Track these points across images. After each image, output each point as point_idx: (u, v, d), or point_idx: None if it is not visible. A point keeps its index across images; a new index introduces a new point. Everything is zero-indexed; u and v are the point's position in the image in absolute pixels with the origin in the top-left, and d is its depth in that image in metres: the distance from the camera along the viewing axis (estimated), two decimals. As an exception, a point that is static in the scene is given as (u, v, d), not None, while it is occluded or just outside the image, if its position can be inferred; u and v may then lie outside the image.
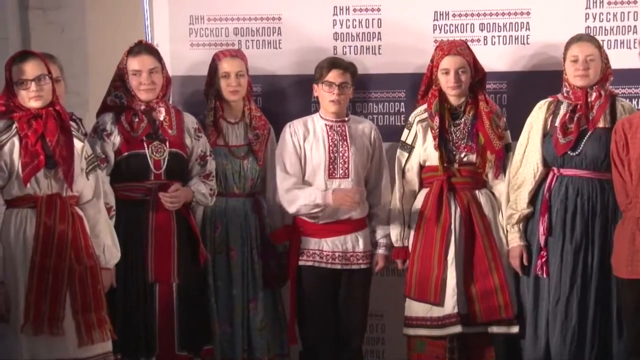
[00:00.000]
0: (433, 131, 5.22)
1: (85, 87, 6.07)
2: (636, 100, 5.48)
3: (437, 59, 5.24)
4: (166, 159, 5.09)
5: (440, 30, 5.62)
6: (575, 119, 5.10)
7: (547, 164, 5.16)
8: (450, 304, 5.18)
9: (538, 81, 5.44)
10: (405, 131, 5.36)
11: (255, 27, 5.74)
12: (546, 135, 5.17)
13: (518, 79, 5.58)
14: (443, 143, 5.23)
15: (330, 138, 5.33)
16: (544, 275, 5.13)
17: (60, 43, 6.16)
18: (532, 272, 5.20)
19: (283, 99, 5.72)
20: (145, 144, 5.07)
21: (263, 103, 5.72)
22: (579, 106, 5.11)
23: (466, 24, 5.61)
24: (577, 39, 5.16)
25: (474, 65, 5.27)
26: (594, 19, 5.51)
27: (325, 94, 5.29)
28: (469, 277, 5.21)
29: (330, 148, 5.31)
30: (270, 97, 5.74)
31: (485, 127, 5.22)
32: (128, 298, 5.02)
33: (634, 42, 5.43)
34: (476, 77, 5.29)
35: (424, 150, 5.28)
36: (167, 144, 5.10)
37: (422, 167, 5.33)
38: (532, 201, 5.18)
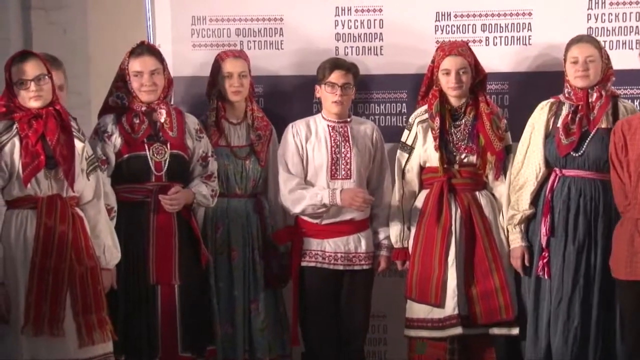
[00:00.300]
0: (434, 132, 5.22)
1: (87, 87, 6.09)
2: (638, 101, 5.48)
3: (438, 59, 5.24)
4: (167, 160, 5.09)
5: (442, 31, 5.61)
6: (577, 119, 5.09)
7: (549, 165, 5.16)
8: (451, 305, 5.17)
9: (540, 82, 5.44)
10: (406, 132, 5.35)
11: (257, 27, 5.73)
12: (548, 136, 5.16)
13: (520, 79, 5.58)
14: (443, 144, 5.22)
15: (332, 139, 5.32)
16: (546, 276, 5.13)
17: (62, 43, 6.18)
18: (533, 273, 5.19)
19: (285, 99, 5.72)
20: (146, 146, 5.07)
21: (265, 104, 5.71)
22: (580, 107, 5.11)
23: (468, 25, 5.60)
24: (577, 40, 5.16)
25: (475, 66, 5.27)
26: (596, 19, 5.50)
27: (327, 95, 5.29)
28: (469, 279, 5.20)
29: (333, 149, 5.31)
30: (272, 98, 5.74)
31: (486, 128, 5.22)
32: (130, 300, 5.02)
33: (636, 43, 5.43)
34: (477, 78, 5.28)
35: (424, 151, 5.28)
36: (168, 145, 5.10)
37: (422, 168, 5.32)
38: (534, 202, 5.18)
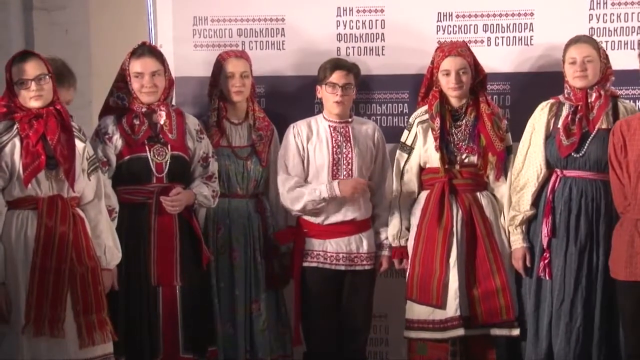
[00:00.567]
0: (434, 132, 5.22)
1: (89, 87, 6.10)
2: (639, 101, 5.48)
3: (438, 60, 5.23)
4: (168, 162, 5.09)
5: (444, 31, 5.61)
6: (577, 120, 5.09)
7: (549, 166, 5.15)
8: (453, 306, 5.17)
9: (542, 82, 5.42)
10: (405, 132, 5.35)
11: (259, 28, 5.74)
12: (549, 136, 5.16)
13: (522, 80, 5.57)
14: (444, 144, 5.22)
15: (333, 139, 5.32)
16: (547, 277, 5.12)
17: (64, 44, 6.20)
18: (534, 274, 5.18)
19: (286, 99, 5.71)
20: (147, 147, 5.07)
21: (266, 104, 5.71)
22: (579, 107, 5.10)
23: (469, 25, 5.59)
24: (574, 40, 5.15)
25: (475, 66, 5.27)
26: (598, 20, 5.49)
27: (328, 95, 5.29)
28: (470, 280, 5.20)
29: (334, 149, 5.31)
30: (274, 98, 5.74)
31: (487, 128, 5.21)
32: (131, 301, 5.02)
33: (638, 43, 5.41)
34: (477, 78, 5.28)
35: (425, 151, 5.27)
36: (169, 147, 5.10)
37: (421, 169, 5.32)
38: (535, 203, 5.17)
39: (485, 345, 5.29)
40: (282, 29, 5.73)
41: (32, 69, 4.59)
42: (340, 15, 5.70)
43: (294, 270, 5.35)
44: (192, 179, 5.20)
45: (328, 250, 5.31)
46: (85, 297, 4.61)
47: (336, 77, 5.27)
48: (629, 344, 4.95)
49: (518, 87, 5.57)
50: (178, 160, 5.11)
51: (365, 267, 5.36)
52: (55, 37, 6.52)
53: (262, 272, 5.37)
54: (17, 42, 6.42)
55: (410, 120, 5.37)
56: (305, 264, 5.33)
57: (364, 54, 5.68)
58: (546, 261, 5.12)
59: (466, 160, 5.26)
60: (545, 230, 5.11)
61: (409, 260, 5.29)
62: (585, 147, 5.07)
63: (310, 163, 5.32)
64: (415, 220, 5.30)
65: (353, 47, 5.69)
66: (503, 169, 5.26)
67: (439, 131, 5.19)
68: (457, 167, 5.26)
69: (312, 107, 5.60)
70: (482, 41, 5.58)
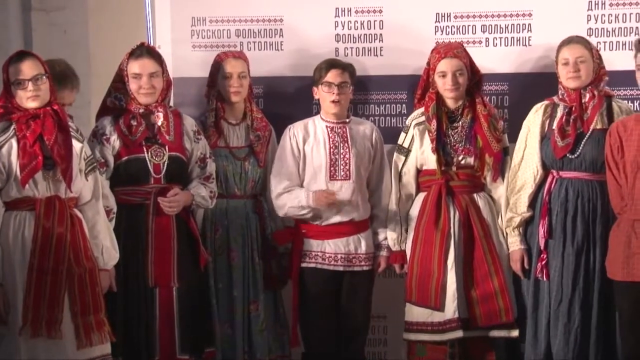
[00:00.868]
0: (430, 134, 5.21)
1: (88, 88, 6.08)
2: (638, 102, 5.48)
3: (434, 61, 5.23)
4: (166, 162, 5.09)
5: (442, 32, 5.61)
6: (571, 121, 5.09)
7: (546, 167, 5.15)
8: (451, 308, 5.17)
9: (540, 83, 5.41)
10: (402, 134, 5.35)
11: (257, 28, 5.74)
12: (544, 138, 5.16)
13: (520, 80, 5.57)
14: (441, 146, 5.22)
15: (331, 140, 5.32)
16: (544, 278, 5.12)
17: (62, 44, 6.20)
18: (531, 275, 5.18)
19: (284, 100, 5.71)
20: (144, 148, 5.07)
21: (264, 104, 5.72)
22: (573, 108, 5.10)
23: (468, 26, 5.60)
24: (567, 41, 5.15)
25: (471, 67, 5.26)
26: (596, 20, 5.50)
27: (325, 95, 5.29)
28: (468, 281, 5.19)
29: (331, 150, 5.31)
30: (272, 99, 5.74)
31: (484, 129, 5.21)
32: (129, 302, 5.02)
33: (634, 44, 5.40)
34: (473, 80, 5.27)
35: (421, 153, 5.27)
36: (166, 148, 5.09)
37: (418, 171, 5.32)
38: (532, 204, 5.17)
39: (484, 347, 5.29)
40: (281, 29, 5.73)
41: (29, 69, 4.59)
42: (338, 16, 5.70)
43: (292, 270, 5.35)
44: (189, 179, 5.20)
45: (326, 251, 5.31)
46: (83, 298, 4.61)
47: (331, 76, 5.27)
48: (626, 345, 4.95)
49: (516, 87, 5.58)
50: (176, 161, 5.11)
51: (364, 267, 5.36)
52: (53, 37, 6.52)
53: (260, 272, 5.37)
54: (15, 43, 6.41)
55: (407, 122, 5.36)
56: (303, 265, 5.33)
57: (362, 55, 5.68)
58: (543, 262, 5.12)
59: (463, 162, 5.26)
60: (542, 232, 5.11)
61: (407, 263, 5.29)
62: (581, 147, 5.07)
63: (307, 164, 5.32)
64: (412, 222, 5.30)
65: (351, 48, 5.69)
66: (500, 170, 5.25)
67: (435, 133, 5.19)
68: (454, 168, 5.25)
69: (310, 107, 5.60)
70: (480, 42, 5.59)
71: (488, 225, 5.24)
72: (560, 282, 5.09)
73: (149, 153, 5.07)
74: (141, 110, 5.09)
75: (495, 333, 5.23)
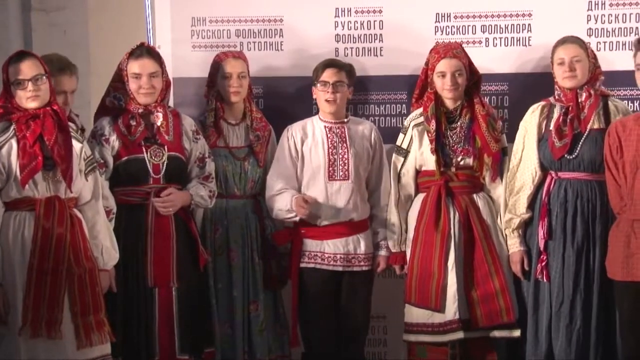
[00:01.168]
0: (429, 135, 5.21)
1: (87, 88, 6.08)
2: (638, 102, 5.48)
3: (433, 61, 5.22)
4: (165, 163, 5.09)
5: (442, 32, 5.61)
6: (569, 121, 5.09)
7: (544, 168, 5.15)
8: (452, 310, 5.17)
9: (540, 83, 5.40)
10: (401, 135, 5.35)
11: (257, 28, 5.73)
12: (541, 139, 5.16)
13: (520, 80, 5.57)
14: (440, 147, 5.21)
15: (329, 140, 5.32)
16: (545, 279, 5.11)
17: (62, 45, 6.18)
18: (532, 276, 5.17)
19: (284, 100, 5.71)
20: (143, 148, 5.07)
21: (264, 105, 5.72)
22: (570, 108, 5.10)
23: (468, 26, 5.60)
24: (562, 41, 5.16)
25: (470, 68, 5.26)
26: (596, 20, 5.50)
27: (320, 94, 5.31)
28: (469, 282, 5.19)
29: (330, 150, 5.31)
30: (272, 99, 5.74)
31: (482, 130, 5.21)
32: (128, 302, 5.02)
33: (633, 44, 5.39)
34: (472, 80, 5.27)
35: (420, 154, 5.27)
36: (166, 148, 5.09)
37: (417, 172, 5.32)
38: (531, 205, 5.17)
39: (485, 348, 5.28)
40: (280, 29, 5.73)
41: (28, 69, 4.59)
42: (338, 16, 5.70)
43: (292, 271, 5.35)
44: (189, 179, 5.20)
45: (325, 251, 5.31)
46: (83, 298, 4.61)
47: (327, 74, 5.28)
48: (626, 345, 4.95)
49: (516, 87, 5.57)
50: (175, 161, 5.11)
51: (363, 267, 5.36)
52: (53, 37, 6.52)
53: (260, 272, 5.37)
54: (15, 43, 6.42)
55: (406, 123, 5.36)
56: (302, 265, 5.33)
57: (362, 55, 5.68)
58: (543, 263, 5.11)
59: (462, 163, 5.26)
60: (541, 233, 5.11)
61: (407, 264, 5.29)
62: (578, 148, 5.07)
63: (306, 165, 5.32)
64: (412, 223, 5.29)
65: (351, 48, 5.69)
66: (499, 170, 5.25)
67: (434, 133, 5.19)
68: (453, 169, 5.25)
69: (310, 107, 5.60)
70: (480, 42, 5.59)
71: (488, 226, 5.24)
72: (561, 283, 5.09)
73: (148, 153, 5.07)
74: (140, 111, 5.09)
75: (496, 333, 5.23)
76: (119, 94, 5.14)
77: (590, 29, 5.50)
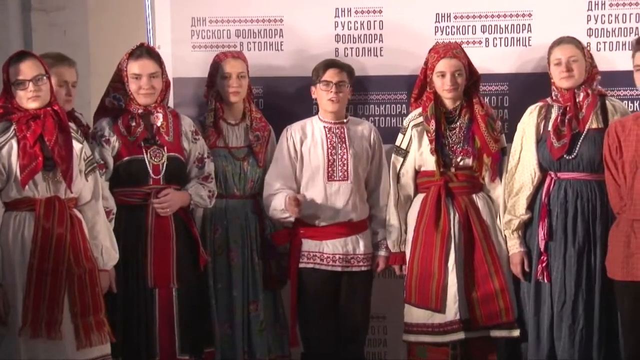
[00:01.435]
0: (429, 135, 5.21)
1: (87, 88, 6.08)
2: (638, 102, 5.47)
3: (433, 61, 5.22)
4: (165, 163, 5.08)
5: (442, 32, 5.61)
6: (567, 121, 5.09)
7: (543, 169, 5.15)
8: (452, 310, 5.17)
9: (540, 83, 5.38)
10: (400, 136, 5.34)
11: (257, 29, 5.73)
12: (539, 140, 5.16)
13: (520, 80, 5.57)
14: (439, 147, 5.21)
15: (328, 140, 5.32)
16: (545, 280, 5.11)
17: (62, 45, 6.17)
18: (532, 277, 5.17)
19: (284, 100, 5.71)
20: (143, 149, 5.07)
21: (264, 105, 5.72)
22: (568, 108, 5.11)
23: (468, 26, 5.60)
24: (558, 42, 5.17)
25: (469, 68, 5.26)
26: (596, 20, 5.50)
27: (322, 94, 5.30)
28: (469, 282, 5.19)
29: (329, 150, 5.31)
30: (272, 99, 5.74)
31: (482, 130, 5.21)
32: (128, 303, 5.02)
33: (631, 45, 5.40)
34: (471, 80, 5.27)
35: (420, 155, 5.27)
36: (165, 148, 5.09)
37: (417, 172, 5.32)
38: (530, 206, 5.17)
39: (485, 348, 5.28)
40: (280, 29, 5.73)
41: (29, 69, 4.59)
42: (338, 16, 5.70)
43: (291, 271, 5.35)
44: (188, 180, 5.20)
45: (325, 252, 5.31)
46: (83, 298, 4.62)
47: (329, 74, 5.27)
48: (628, 344, 4.95)
49: (516, 88, 5.57)
50: (174, 162, 5.11)
51: (362, 268, 5.36)
52: (53, 37, 6.53)
53: (260, 272, 5.37)
54: (15, 43, 6.42)
55: (405, 123, 5.36)
56: (301, 265, 5.33)
57: (362, 55, 5.68)
58: (544, 264, 5.11)
59: (461, 163, 5.25)
60: (541, 234, 5.11)
61: (407, 264, 5.29)
62: (577, 148, 5.07)
63: (305, 165, 5.32)
64: (411, 223, 5.29)
65: (351, 48, 5.69)
66: (498, 170, 5.25)
67: (434, 134, 5.19)
68: (453, 169, 5.25)
69: (310, 107, 5.60)
70: (480, 42, 5.59)
71: (487, 226, 5.24)
72: (563, 283, 5.09)
73: (148, 154, 5.06)
74: (140, 111, 5.09)
75: (496, 333, 5.23)
76: (119, 94, 5.13)
77: (590, 29, 5.50)
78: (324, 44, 5.67)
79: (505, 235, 5.24)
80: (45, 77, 4.63)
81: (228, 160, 5.36)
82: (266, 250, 5.40)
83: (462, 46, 5.32)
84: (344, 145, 5.32)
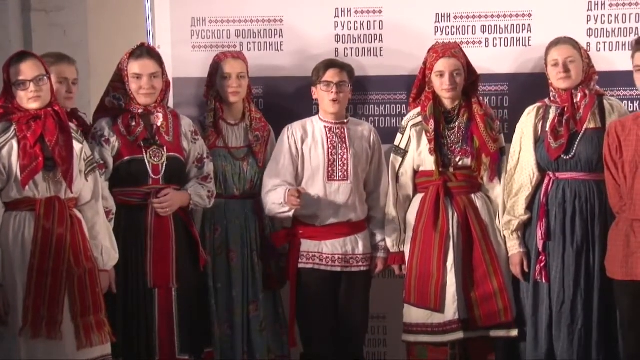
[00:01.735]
0: (428, 134, 5.22)
1: (87, 88, 6.10)
2: (638, 102, 5.47)
3: (432, 61, 5.23)
4: (164, 163, 5.08)
5: (442, 32, 5.61)
6: (564, 121, 5.09)
7: (542, 169, 5.15)
8: (451, 310, 5.17)
9: (540, 83, 5.37)
10: (399, 135, 5.35)
11: (257, 29, 5.74)
12: (538, 140, 5.16)
13: (520, 81, 5.57)
14: (438, 147, 5.21)
15: (329, 140, 5.32)
16: (543, 280, 5.11)
17: (62, 45, 6.17)
18: (531, 277, 5.17)
19: (284, 100, 5.71)
20: (143, 149, 5.06)
21: (264, 105, 5.72)
22: (566, 108, 5.11)
23: (467, 26, 5.59)
24: (555, 42, 5.17)
25: (468, 68, 5.26)
26: (596, 21, 5.50)
27: (323, 94, 5.29)
28: (468, 282, 5.19)
29: (329, 150, 5.31)
30: (272, 99, 5.74)
31: (480, 130, 5.21)
32: (128, 303, 5.02)
33: (630, 45, 5.40)
34: (469, 80, 5.27)
35: (419, 154, 5.27)
36: (165, 148, 5.09)
37: (416, 172, 5.32)
38: (529, 207, 5.17)
39: (484, 348, 5.29)
40: (280, 30, 5.73)
41: (30, 70, 4.59)
42: (338, 16, 5.70)
43: (290, 272, 5.34)
44: (187, 180, 5.20)
45: (324, 252, 5.31)
46: (83, 298, 4.61)
47: (330, 75, 5.27)
48: (627, 344, 4.96)
49: (516, 88, 5.57)
50: (174, 162, 5.11)
51: (361, 268, 5.36)
52: (53, 38, 6.52)
53: (260, 272, 5.38)
54: (15, 43, 6.42)
55: (403, 123, 5.36)
56: (301, 266, 5.33)
57: (361, 55, 5.68)
58: (542, 264, 5.12)
59: (460, 163, 5.25)
60: (539, 234, 5.11)
61: (406, 264, 5.29)
62: (574, 148, 5.08)
63: (305, 164, 5.32)
64: (410, 223, 5.29)
65: (351, 48, 5.69)
66: (497, 170, 5.26)
67: (433, 133, 5.19)
68: (452, 169, 5.25)
69: (310, 107, 5.60)
70: (480, 42, 5.59)
71: (486, 226, 5.24)
72: (562, 283, 5.09)
73: (148, 154, 5.06)
74: (140, 111, 5.09)
75: (494, 333, 5.23)
76: (119, 94, 5.13)
77: (590, 29, 5.50)
78: (324, 44, 5.67)
79: (504, 236, 5.24)
80: (46, 78, 4.63)
81: (228, 160, 5.36)
82: (266, 251, 5.40)
83: (462, 46, 5.33)
84: (344, 145, 5.32)
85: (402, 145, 5.32)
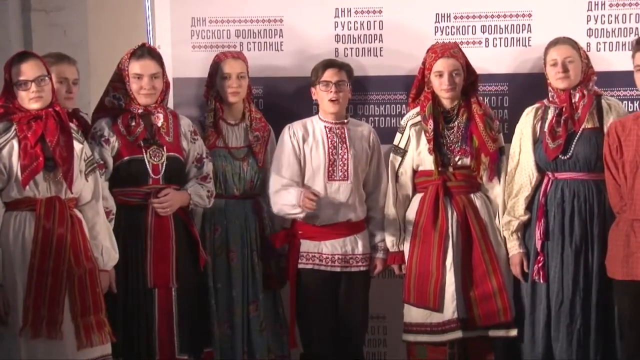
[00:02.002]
0: (427, 134, 5.22)
1: (87, 89, 6.10)
2: (637, 102, 5.47)
3: (430, 61, 5.23)
4: (164, 163, 5.08)
5: (442, 32, 5.61)
6: (562, 121, 5.10)
7: (541, 170, 5.15)
8: (450, 309, 5.17)
9: (540, 83, 5.37)
10: (398, 135, 5.35)
11: (257, 29, 5.74)
12: (537, 141, 5.17)
13: (519, 81, 5.57)
14: (437, 147, 5.22)
15: (329, 140, 5.32)
16: (541, 280, 5.12)
17: (62, 45, 6.17)
18: (529, 277, 5.18)
19: (284, 100, 5.71)
20: (143, 149, 5.06)
21: (264, 105, 5.72)
22: (564, 108, 5.11)
23: (467, 26, 5.60)
24: (554, 42, 5.18)
25: (467, 68, 5.27)
26: (596, 21, 5.50)
27: (323, 94, 5.29)
28: (467, 282, 5.20)
29: (330, 150, 5.31)
30: (272, 99, 5.74)
31: (479, 129, 5.21)
32: (128, 303, 5.02)
33: (631, 45, 5.40)
34: (469, 80, 5.28)
35: (418, 154, 5.27)
36: (165, 148, 5.09)
37: (415, 172, 5.32)
38: (529, 207, 5.17)
39: (483, 347, 5.29)
40: (280, 30, 5.73)
41: (31, 70, 4.59)
42: (338, 16, 5.70)
43: (289, 272, 5.34)
44: (187, 180, 5.20)
45: (323, 252, 5.31)
46: (83, 298, 4.62)
47: (329, 74, 5.28)
48: (627, 344, 4.96)
49: (516, 88, 5.57)
50: (174, 162, 5.11)
51: (361, 268, 5.36)
52: (53, 38, 6.53)
53: (260, 272, 5.37)
54: (15, 43, 6.42)
55: (402, 122, 5.36)
56: (300, 266, 5.33)
57: (361, 55, 5.68)
58: (540, 264, 5.12)
59: (459, 163, 5.26)
60: (538, 234, 5.12)
61: (406, 264, 5.29)
62: (572, 148, 5.08)
63: (306, 164, 5.32)
64: (410, 223, 5.29)
65: (351, 48, 5.69)
66: (496, 170, 5.26)
67: (432, 133, 5.20)
68: (451, 169, 5.25)
69: (310, 107, 5.60)
70: (480, 42, 5.59)
71: (485, 225, 5.24)
72: (560, 283, 5.10)
73: (148, 154, 5.06)
74: (140, 111, 5.09)
75: (493, 332, 5.24)
76: (119, 93, 5.13)
77: (590, 29, 5.50)
78: (324, 44, 5.67)
79: (504, 236, 5.24)
80: (47, 78, 4.63)
81: (228, 160, 5.36)
82: (266, 251, 5.39)
83: (462, 46, 5.33)
84: (344, 145, 5.32)
85: (402, 145, 5.32)
